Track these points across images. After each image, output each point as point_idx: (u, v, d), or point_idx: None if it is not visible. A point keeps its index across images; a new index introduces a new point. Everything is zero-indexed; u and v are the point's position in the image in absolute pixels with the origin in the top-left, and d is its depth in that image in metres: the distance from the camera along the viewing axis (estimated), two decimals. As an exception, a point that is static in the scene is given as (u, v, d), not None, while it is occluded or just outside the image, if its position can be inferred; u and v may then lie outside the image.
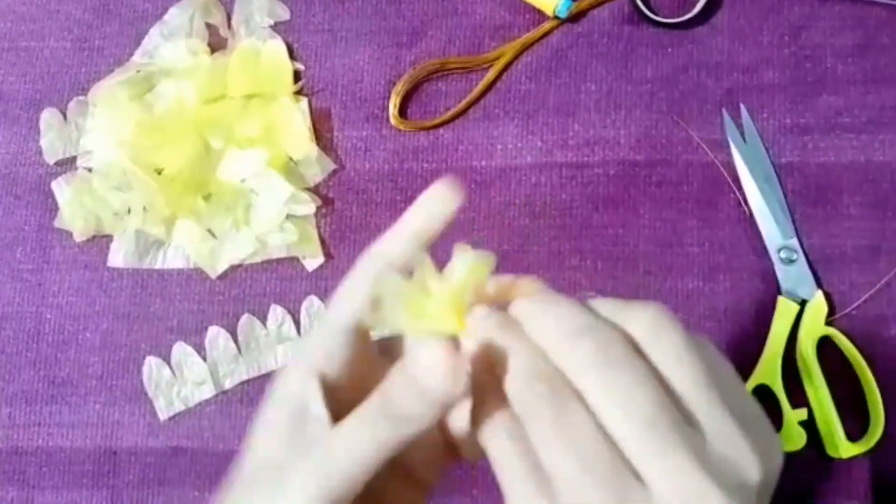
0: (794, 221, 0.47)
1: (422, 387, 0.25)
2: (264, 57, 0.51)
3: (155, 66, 0.51)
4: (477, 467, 0.46)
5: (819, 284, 0.46)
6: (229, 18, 0.52)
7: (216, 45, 0.51)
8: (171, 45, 0.51)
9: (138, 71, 0.51)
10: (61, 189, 0.50)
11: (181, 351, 0.48)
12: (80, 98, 0.51)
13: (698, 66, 0.49)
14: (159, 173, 0.49)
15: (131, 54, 0.52)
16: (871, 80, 0.48)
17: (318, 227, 0.49)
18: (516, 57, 0.51)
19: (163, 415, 0.48)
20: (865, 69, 0.48)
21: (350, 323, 0.28)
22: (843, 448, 0.44)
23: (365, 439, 0.25)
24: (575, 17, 0.50)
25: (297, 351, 0.26)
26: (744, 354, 0.46)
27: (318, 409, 0.26)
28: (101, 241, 0.50)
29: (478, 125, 0.50)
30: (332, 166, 0.50)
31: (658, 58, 0.50)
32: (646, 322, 0.25)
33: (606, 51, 0.50)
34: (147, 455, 0.48)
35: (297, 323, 0.48)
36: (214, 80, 0.50)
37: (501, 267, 0.48)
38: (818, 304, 0.46)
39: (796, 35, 0.49)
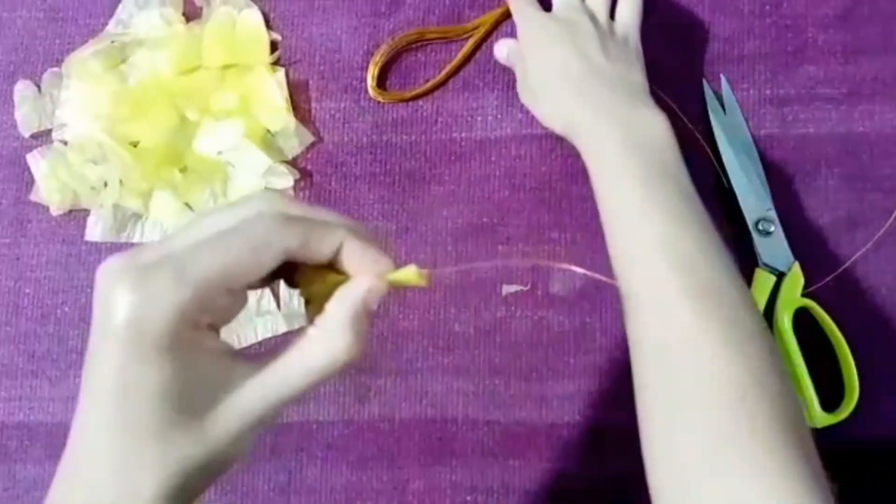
0: (772, 193, 0.47)
1: None
2: (240, 26, 0.50)
3: (129, 36, 0.50)
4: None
5: (796, 256, 0.47)
6: (204, -13, 0.51)
7: (191, 14, 0.51)
8: (145, 15, 0.50)
9: (112, 41, 0.50)
10: (37, 162, 0.50)
11: (160, 325, 0.48)
12: (55, 70, 0.51)
13: (679, 36, 0.49)
14: (135, 146, 0.49)
15: (105, 24, 0.51)
16: (852, 50, 0.48)
17: (297, 200, 0.49)
18: (496, 26, 0.50)
19: (143, 388, 0.48)
20: (846, 40, 0.48)
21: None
22: (819, 418, 0.45)
23: None
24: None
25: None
26: (721, 326, 0.47)
27: None
28: (78, 215, 0.49)
29: (457, 96, 0.50)
30: (310, 138, 0.49)
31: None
32: None
33: (587, 20, 0.49)
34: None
35: (276, 296, 0.48)
36: (189, 51, 0.49)
37: (482, 239, 0.48)
38: (795, 276, 0.46)
39: (777, 4, 0.49)
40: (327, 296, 0.28)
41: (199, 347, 0.26)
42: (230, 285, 0.26)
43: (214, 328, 0.28)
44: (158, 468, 0.25)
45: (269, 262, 0.26)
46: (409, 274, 0.29)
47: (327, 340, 0.27)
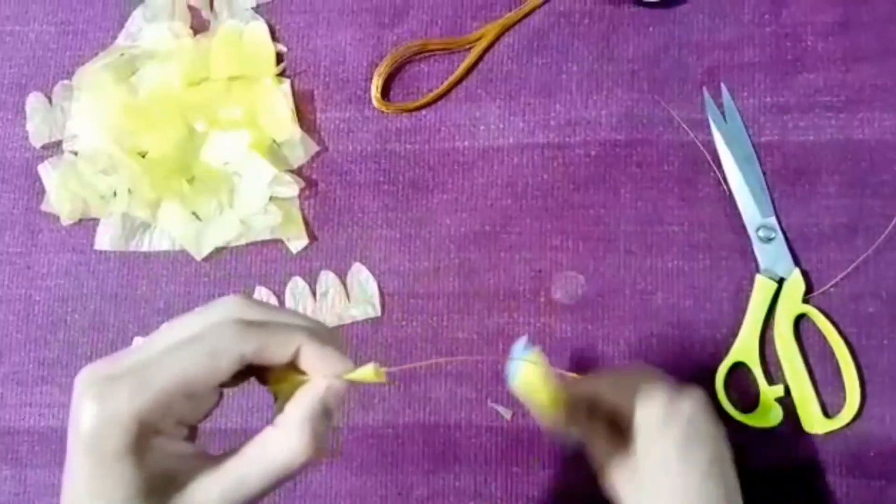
0: (772, 200, 0.48)
1: None
2: (247, 39, 0.51)
3: (138, 48, 0.51)
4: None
5: (797, 262, 0.47)
6: (211, 1, 0.52)
7: (199, 27, 0.52)
8: (154, 28, 0.51)
9: (122, 54, 0.51)
10: (48, 173, 0.51)
11: (168, 332, 0.49)
12: (66, 82, 0.52)
13: (679, 44, 0.49)
14: (144, 157, 0.50)
15: (115, 37, 0.52)
16: (851, 58, 0.48)
17: (302, 209, 0.50)
18: (498, 37, 0.51)
19: (151, 394, 0.49)
20: (845, 47, 0.48)
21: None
22: (820, 424, 0.45)
23: None
24: (556, -3, 0.50)
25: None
26: (722, 332, 0.47)
27: None
28: (87, 224, 0.50)
29: (460, 106, 0.50)
30: (315, 148, 0.50)
31: (639, 37, 0.50)
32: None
33: (588, 30, 0.50)
34: None
35: (281, 304, 0.49)
36: (197, 63, 0.50)
37: (485, 247, 0.49)
38: (796, 282, 0.46)
39: (777, 13, 0.49)
40: (292, 394, 0.29)
41: (161, 451, 0.27)
42: (189, 391, 0.27)
43: (185, 425, 0.29)
44: None
45: (227, 367, 0.27)
46: (367, 372, 0.30)
47: (284, 441, 0.28)
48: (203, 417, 0.29)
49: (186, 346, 0.27)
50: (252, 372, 0.29)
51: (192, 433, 0.30)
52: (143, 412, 0.26)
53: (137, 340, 0.49)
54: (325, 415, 0.28)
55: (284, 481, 0.28)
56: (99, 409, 0.26)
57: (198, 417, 0.29)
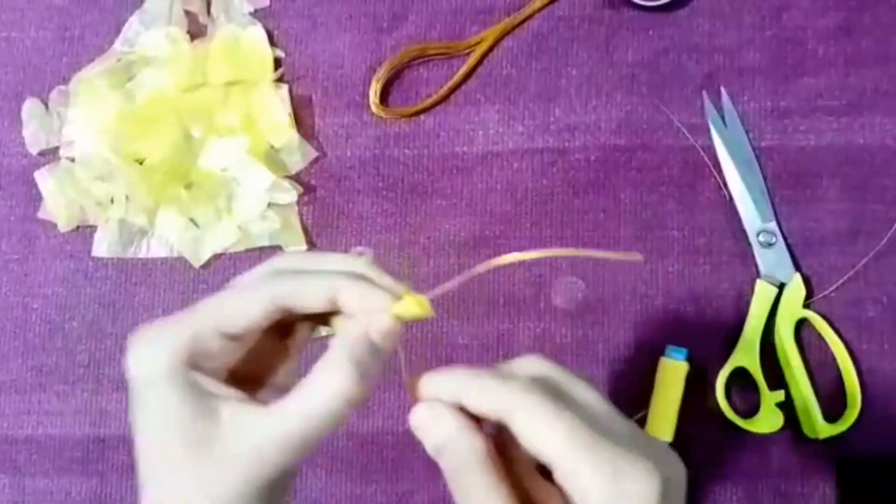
0: (773, 205, 0.47)
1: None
2: (244, 44, 0.50)
3: (135, 54, 0.51)
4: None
5: (797, 267, 0.47)
6: (209, 6, 0.51)
7: (196, 32, 0.51)
8: (150, 34, 0.51)
9: (119, 60, 0.51)
10: (44, 179, 0.50)
11: (167, 339, 0.49)
12: (62, 88, 0.51)
13: (679, 48, 0.49)
14: (141, 163, 0.49)
15: (111, 43, 0.52)
16: (852, 62, 0.48)
17: (301, 215, 0.50)
18: (497, 42, 0.50)
19: (150, 402, 0.49)
20: (846, 51, 0.48)
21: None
22: (820, 429, 0.45)
23: None
24: (556, 0, 0.50)
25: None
26: (722, 337, 0.47)
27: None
28: (84, 231, 0.50)
29: (459, 111, 0.50)
30: (314, 154, 0.50)
31: (639, 41, 0.50)
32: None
33: (587, 35, 0.50)
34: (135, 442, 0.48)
35: (280, 310, 0.49)
36: (194, 68, 0.50)
37: (484, 253, 0.49)
38: (796, 287, 0.46)
39: (777, 17, 0.49)
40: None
41: (202, 389, 0.28)
42: (224, 329, 0.28)
43: (227, 372, 0.29)
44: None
45: (258, 309, 0.28)
46: (410, 307, 0.28)
47: (325, 380, 0.27)
48: (263, 370, 0.31)
49: (222, 293, 0.29)
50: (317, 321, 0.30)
51: (256, 388, 0.30)
52: (179, 347, 0.27)
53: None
54: (371, 352, 0.28)
55: (333, 425, 0.27)
56: (141, 347, 0.28)
57: (260, 366, 0.30)
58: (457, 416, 0.28)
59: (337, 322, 0.29)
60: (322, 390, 0.27)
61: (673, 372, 0.45)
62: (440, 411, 0.28)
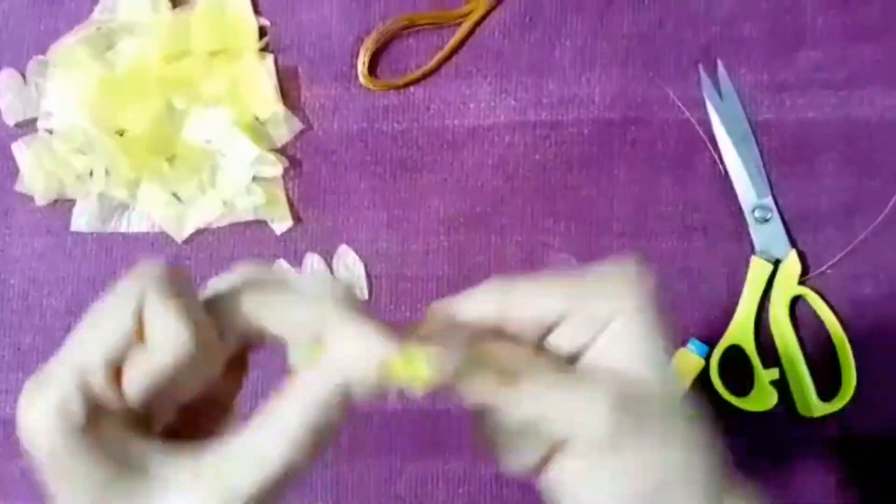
0: (769, 180, 0.47)
1: None
2: (228, 12, 0.49)
3: (115, 22, 0.49)
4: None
5: (793, 244, 0.46)
6: (191, -28, 0.50)
7: None
8: (131, 1, 0.49)
9: (98, 28, 0.49)
10: (21, 152, 0.49)
11: (149, 316, 0.48)
12: (40, 58, 0.50)
13: (675, 20, 0.48)
14: (122, 135, 0.48)
15: (91, 11, 0.50)
16: (852, 34, 0.47)
17: (286, 190, 0.48)
18: (489, 12, 0.49)
19: (131, 380, 0.47)
20: (845, 23, 0.47)
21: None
22: (815, 407, 0.45)
23: None
24: (549, -30, 0.49)
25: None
26: (717, 314, 0.46)
27: None
28: (63, 205, 0.49)
29: (449, 83, 0.49)
30: (300, 126, 0.49)
31: (634, 12, 0.48)
32: None
33: (581, 5, 0.49)
34: None
35: (266, 287, 0.48)
36: (177, 37, 0.48)
37: (475, 228, 0.48)
38: (792, 264, 0.45)
39: (776, -13, 0.48)
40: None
41: (115, 453, 0.24)
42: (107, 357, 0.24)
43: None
44: None
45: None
46: (416, 363, 0.23)
47: (274, 446, 0.24)
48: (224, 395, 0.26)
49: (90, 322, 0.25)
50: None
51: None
52: (69, 401, 0.23)
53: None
54: (336, 412, 0.24)
55: (278, 489, 0.24)
56: (28, 413, 0.23)
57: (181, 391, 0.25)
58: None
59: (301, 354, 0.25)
60: (266, 460, 0.23)
61: (690, 365, 0.44)
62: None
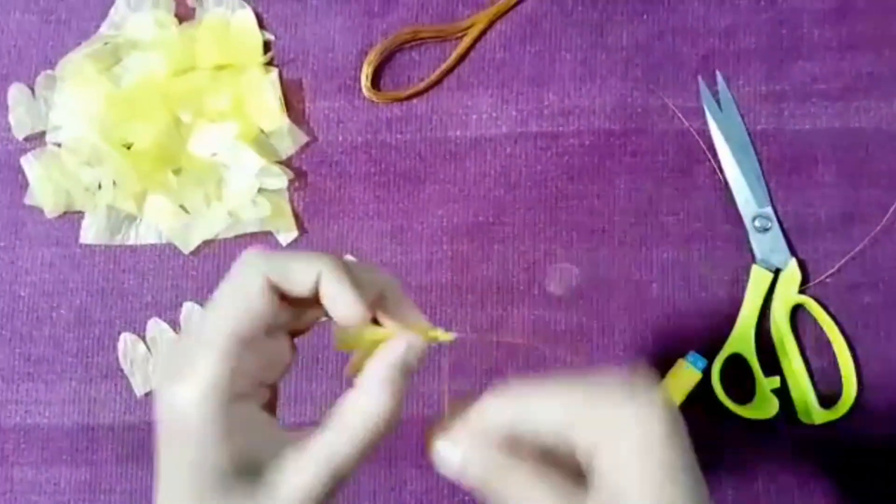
0: (768, 189, 0.47)
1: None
2: (233, 27, 0.50)
3: (122, 38, 0.50)
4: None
5: (793, 253, 0.46)
6: (197, -12, 0.51)
7: (184, 15, 0.50)
8: (138, 17, 0.50)
9: (106, 43, 0.50)
10: (31, 165, 0.49)
11: (156, 327, 0.48)
12: (48, 72, 0.50)
13: (674, 32, 0.49)
14: (129, 148, 0.48)
15: (98, 26, 0.51)
16: (848, 45, 0.48)
17: (291, 201, 0.49)
18: (490, 25, 0.50)
19: (139, 391, 0.48)
20: (842, 35, 0.48)
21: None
22: (816, 415, 0.45)
23: None
24: (549, -16, 0.49)
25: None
26: (717, 323, 0.46)
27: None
28: (72, 217, 0.49)
29: (452, 95, 0.50)
30: (305, 138, 0.49)
31: (633, 24, 0.49)
32: None
33: (581, 18, 0.49)
34: (125, 431, 0.48)
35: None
36: (183, 52, 0.49)
37: (478, 238, 0.48)
38: (792, 273, 0.46)
39: (773, 0, 0.48)
40: (363, 355, 0.29)
41: (245, 420, 0.27)
42: (243, 337, 0.26)
43: (265, 385, 0.28)
44: None
45: (260, 297, 0.27)
46: (443, 334, 0.30)
47: (366, 404, 0.27)
48: (280, 373, 0.29)
49: (218, 300, 0.27)
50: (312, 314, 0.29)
51: (272, 401, 0.29)
52: (213, 379, 0.26)
53: (125, 337, 0.49)
54: (405, 373, 0.28)
55: (373, 446, 0.27)
56: (170, 396, 0.26)
57: (274, 373, 0.29)
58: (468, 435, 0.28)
59: (343, 336, 0.29)
60: (366, 413, 0.27)
61: (687, 378, 0.45)
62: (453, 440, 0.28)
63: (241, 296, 0.27)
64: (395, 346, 0.29)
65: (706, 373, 0.45)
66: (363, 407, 0.27)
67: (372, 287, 0.28)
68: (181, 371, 0.26)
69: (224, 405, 0.26)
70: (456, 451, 0.28)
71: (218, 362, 0.26)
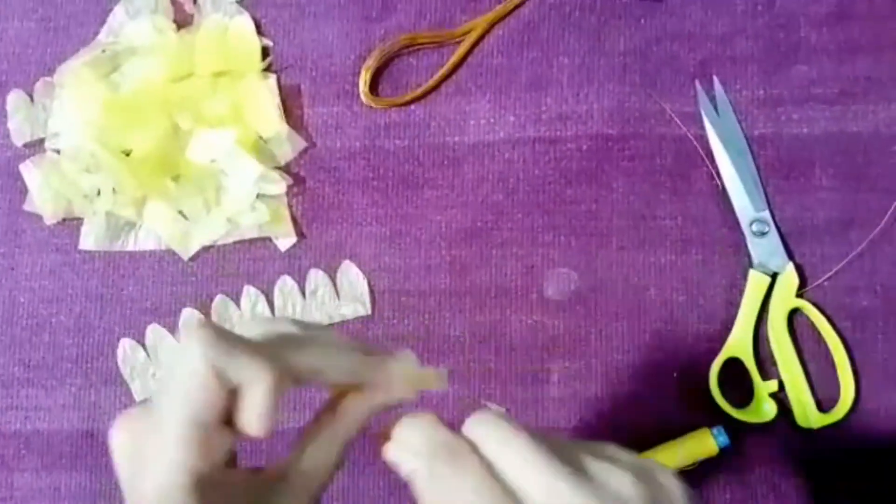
0: (766, 194, 0.47)
1: None
2: (231, 33, 0.50)
3: (121, 44, 0.50)
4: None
5: (791, 257, 0.46)
6: (195, -6, 0.51)
7: (182, 21, 0.51)
8: (136, 23, 0.50)
9: (104, 50, 0.50)
10: (30, 172, 0.50)
11: (155, 333, 0.48)
12: (47, 79, 0.51)
13: (671, 36, 0.49)
14: (128, 154, 0.49)
15: (96, 33, 0.51)
16: (845, 49, 0.48)
17: (290, 207, 0.49)
18: (488, 30, 0.50)
19: (139, 396, 0.48)
20: (839, 39, 0.48)
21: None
22: (814, 419, 0.45)
23: None
24: (546, -11, 0.49)
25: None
26: (715, 327, 0.46)
27: None
28: (71, 224, 0.50)
29: (450, 101, 0.50)
30: (303, 144, 0.49)
31: (631, 29, 0.49)
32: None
33: (579, 23, 0.49)
34: None
35: (270, 303, 0.48)
36: (181, 58, 0.49)
37: (476, 243, 0.48)
38: (789, 277, 0.46)
39: (770, 4, 0.49)
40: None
41: (224, 488, 0.27)
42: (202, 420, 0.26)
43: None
44: None
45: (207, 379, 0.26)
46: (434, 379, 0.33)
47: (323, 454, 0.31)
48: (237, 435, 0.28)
49: (171, 385, 0.26)
50: None
51: (233, 451, 0.29)
52: (178, 467, 0.25)
53: (124, 343, 0.49)
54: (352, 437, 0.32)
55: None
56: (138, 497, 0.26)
57: (232, 437, 0.28)
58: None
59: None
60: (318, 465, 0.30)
61: (705, 447, 0.44)
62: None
63: (194, 382, 0.26)
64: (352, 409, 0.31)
65: (704, 377, 0.46)
66: (320, 460, 0.31)
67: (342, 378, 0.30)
68: (145, 465, 0.26)
69: (195, 487, 0.25)
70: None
71: (182, 450, 0.25)
